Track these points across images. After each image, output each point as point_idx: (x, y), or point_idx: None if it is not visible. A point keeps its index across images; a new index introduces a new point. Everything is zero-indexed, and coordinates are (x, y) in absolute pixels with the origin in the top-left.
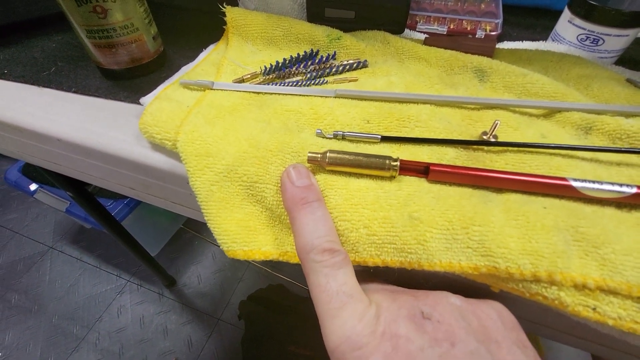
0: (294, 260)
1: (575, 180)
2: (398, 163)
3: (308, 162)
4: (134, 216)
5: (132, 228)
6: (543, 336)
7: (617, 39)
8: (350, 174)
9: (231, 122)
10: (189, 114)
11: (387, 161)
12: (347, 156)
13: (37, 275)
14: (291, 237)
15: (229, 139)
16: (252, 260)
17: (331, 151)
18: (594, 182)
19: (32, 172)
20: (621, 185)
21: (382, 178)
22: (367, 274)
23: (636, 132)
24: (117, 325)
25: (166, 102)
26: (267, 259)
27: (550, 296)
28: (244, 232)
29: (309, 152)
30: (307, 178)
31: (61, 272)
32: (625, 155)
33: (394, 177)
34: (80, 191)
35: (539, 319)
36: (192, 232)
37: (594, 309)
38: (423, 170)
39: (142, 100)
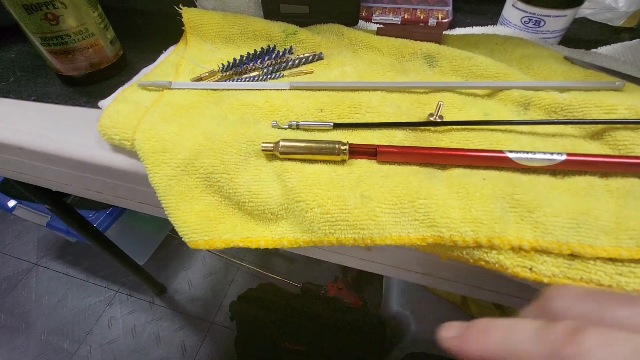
0: (255, 245)
1: (510, 151)
2: (347, 147)
3: (262, 152)
4: (118, 226)
5: (117, 238)
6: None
7: (556, 20)
8: (304, 161)
9: (188, 118)
10: (146, 114)
11: (337, 146)
12: (298, 144)
13: (22, 293)
14: (250, 223)
15: (185, 134)
16: (240, 262)
17: (284, 140)
18: (527, 152)
19: (9, 188)
20: (552, 153)
21: (334, 162)
22: None
23: (569, 105)
24: (108, 337)
25: (123, 103)
26: (229, 246)
27: (491, 260)
28: (204, 223)
29: (262, 143)
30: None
31: (48, 288)
32: (559, 126)
33: (345, 160)
34: (59, 203)
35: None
36: (180, 238)
37: (530, 269)
38: (372, 152)
39: (101, 103)
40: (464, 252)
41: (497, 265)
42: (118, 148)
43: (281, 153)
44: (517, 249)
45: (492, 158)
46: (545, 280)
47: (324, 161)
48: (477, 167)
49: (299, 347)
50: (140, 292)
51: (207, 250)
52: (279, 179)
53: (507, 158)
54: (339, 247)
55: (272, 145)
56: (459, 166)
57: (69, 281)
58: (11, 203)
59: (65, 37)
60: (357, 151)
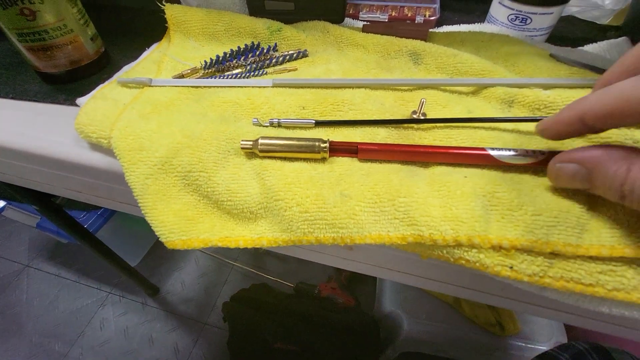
0: (234, 244)
1: (492, 149)
2: (327, 145)
3: (241, 150)
4: (110, 227)
5: (109, 239)
6: (494, 305)
7: (543, 17)
8: (284, 159)
9: (167, 116)
10: (124, 111)
11: (317, 143)
12: (278, 141)
13: (13, 295)
14: (229, 222)
15: (163, 132)
16: (234, 262)
17: (263, 137)
18: (509, 150)
19: None
20: (534, 151)
21: (315, 160)
22: None
23: (552, 102)
24: (100, 339)
25: (101, 101)
26: (207, 246)
27: (471, 259)
28: (182, 222)
29: (242, 140)
30: None
31: (39, 289)
32: None
33: (326, 158)
34: (47, 204)
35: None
36: None
37: (511, 268)
38: (353, 150)
39: (79, 100)
40: (444, 251)
41: (477, 264)
42: (96, 146)
43: (260, 151)
44: (498, 248)
45: (474, 155)
46: (526, 279)
47: (305, 159)
48: (460, 165)
49: (292, 348)
50: (133, 294)
51: (200, 251)
52: (258, 177)
53: (489, 155)
54: (320, 246)
55: (251, 143)
56: (441, 164)
57: (60, 283)
58: (0, 203)
59: (43, 33)
60: (338, 149)
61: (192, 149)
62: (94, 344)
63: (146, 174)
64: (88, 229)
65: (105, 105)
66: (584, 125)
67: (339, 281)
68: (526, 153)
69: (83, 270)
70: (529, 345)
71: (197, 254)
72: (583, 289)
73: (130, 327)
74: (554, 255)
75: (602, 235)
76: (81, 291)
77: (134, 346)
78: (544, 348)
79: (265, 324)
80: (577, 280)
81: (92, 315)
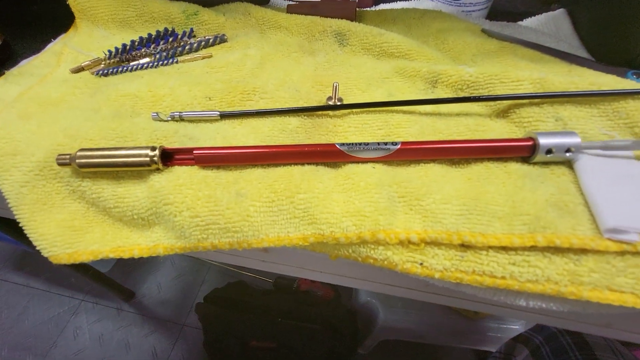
0: (128, 254)
1: (341, 144)
2: (158, 153)
3: (58, 166)
4: None
5: None
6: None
7: None
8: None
9: (52, 114)
10: (1, 111)
11: (146, 152)
12: (100, 152)
13: None
14: (124, 231)
15: (43, 132)
16: (212, 261)
17: (82, 150)
18: (359, 144)
19: None
20: (386, 143)
21: None
22: None
23: (475, 82)
24: (74, 348)
25: None
26: (97, 258)
27: (379, 257)
28: (66, 234)
29: (58, 156)
30: None
31: (6, 301)
32: (465, 105)
33: (160, 169)
34: None
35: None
36: None
37: (421, 264)
38: (190, 157)
39: None
40: (350, 250)
41: (385, 262)
42: None
43: (80, 166)
44: (406, 243)
45: (324, 153)
46: (437, 275)
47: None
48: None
49: (269, 345)
50: (107, 299)
51: None
52: (145, 178)
53: (339, 151)
54: (233, 249)
55: (68, 157)
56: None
57: (29, 293)
58: None
59: None
60: (175, 157)
61: (74, 150)
62: (67, 353)
63: (21, 181)
64: None
65: None
66: None
67: None
68: (377, 146)
69: (53, 278)
70: (503, 326)
71: (172, 254)
72: (496, 282)
73: (106, 334)
74: (466, 247)
75: (514, 223)
76: (52, 300)
77: (110, 353)
78: (517, 327)
79: (240, 323)
80: (490, 274)
81: (64, 324)
